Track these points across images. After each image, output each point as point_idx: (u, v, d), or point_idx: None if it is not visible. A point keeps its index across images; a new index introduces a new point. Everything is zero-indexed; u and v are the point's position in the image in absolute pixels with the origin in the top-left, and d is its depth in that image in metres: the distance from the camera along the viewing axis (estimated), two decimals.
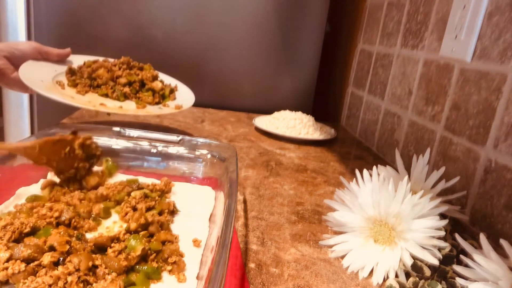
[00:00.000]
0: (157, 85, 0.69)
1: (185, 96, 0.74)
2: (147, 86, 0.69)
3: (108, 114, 0.70)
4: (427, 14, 0.70)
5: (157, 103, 0.69)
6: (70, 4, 0.98)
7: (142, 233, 0.37)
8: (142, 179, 0.49)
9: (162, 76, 0.76)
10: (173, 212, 0.44)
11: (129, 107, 0.66)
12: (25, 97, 1.01)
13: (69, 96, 0.63)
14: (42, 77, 0.63)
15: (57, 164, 0.44)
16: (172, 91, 0.71)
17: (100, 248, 0.35)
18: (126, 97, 0.68)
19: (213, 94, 1.11)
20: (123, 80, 0.68)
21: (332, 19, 1.22)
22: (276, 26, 1.06)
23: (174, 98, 0.71)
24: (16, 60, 0.64)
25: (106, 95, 0.67)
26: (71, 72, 0.68)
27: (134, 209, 0.42)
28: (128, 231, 0.37)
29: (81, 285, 0.30)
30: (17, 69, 0.63)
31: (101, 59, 0.73)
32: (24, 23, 0.99)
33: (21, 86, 0.64)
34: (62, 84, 0.66)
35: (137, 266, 0.34)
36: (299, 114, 0.92)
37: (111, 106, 0.65)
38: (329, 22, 1.21)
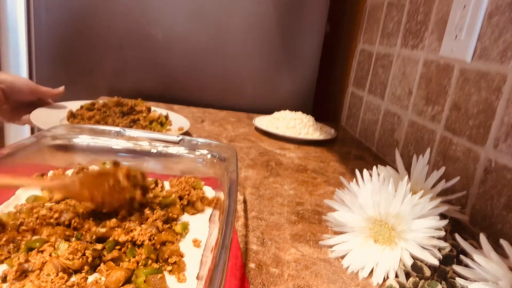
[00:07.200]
0: (154, 114, 0.77)
1: (179, 119, 0.81)
2: (147, 118, 0.76)
3: None
4: (427, 14, 0.70)
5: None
6: (70, 4, 0.98)
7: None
8: None
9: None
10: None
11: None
12: None
13: None
14: (54, 123, 0.67)
15: (103, 199, 0.40)
16: (167, 117, 0.79)
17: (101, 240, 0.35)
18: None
19: (213, 94, 1.11)
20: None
21: (332, 19, 1.22)
22: (276, 26, 1.06)
23: (171, 124, 0.78)
24: (9, 94, 0.71)
25: None
26: (72, 115, 0.73)
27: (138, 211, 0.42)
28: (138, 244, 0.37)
29: None
30: (7, 102, 0.71)
31: (91, 101, 0.79)
32: (24, 23, 0.99)
33: (5, 116, 0.73)
34: None
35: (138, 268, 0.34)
36: (299, 114, 0.92)
37: None
38: (329, 22, 1.20)
